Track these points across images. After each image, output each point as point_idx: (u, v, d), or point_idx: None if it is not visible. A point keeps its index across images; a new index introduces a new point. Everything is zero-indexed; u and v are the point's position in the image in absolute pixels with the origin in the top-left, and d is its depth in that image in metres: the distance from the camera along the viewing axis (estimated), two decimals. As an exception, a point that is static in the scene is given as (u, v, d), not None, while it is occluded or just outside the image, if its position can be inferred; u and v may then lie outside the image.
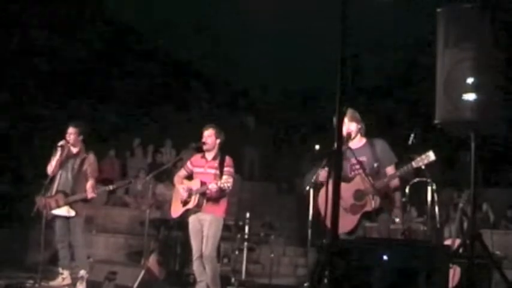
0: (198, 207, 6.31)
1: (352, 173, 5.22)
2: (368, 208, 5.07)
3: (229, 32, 14.59)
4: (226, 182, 6.08)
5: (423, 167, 5.19)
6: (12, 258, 8.61)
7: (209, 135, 6.47)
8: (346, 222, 5.07)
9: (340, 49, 2.96)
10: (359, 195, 5.09)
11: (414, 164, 4.93)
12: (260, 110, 16.05)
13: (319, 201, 5.42)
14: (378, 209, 5.09)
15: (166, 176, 11.65)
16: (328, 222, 3.32)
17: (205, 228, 6.32)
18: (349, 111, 5.25)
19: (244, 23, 13.66)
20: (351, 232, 5.13)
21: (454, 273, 5.89)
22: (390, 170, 5.20)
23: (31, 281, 6.79)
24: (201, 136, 6.54)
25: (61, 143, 6.96)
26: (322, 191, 5.36)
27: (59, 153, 6.98)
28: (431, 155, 4.86)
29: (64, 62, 13.41)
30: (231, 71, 16.34)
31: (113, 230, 10.84)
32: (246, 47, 15.06)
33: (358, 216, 5.08)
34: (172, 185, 11.00)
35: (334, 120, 3.27)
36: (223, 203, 6.40)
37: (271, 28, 13.47)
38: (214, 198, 6.31)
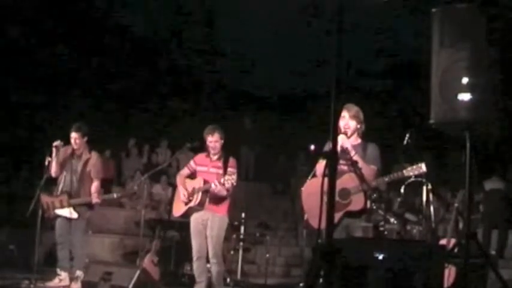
0: (200, 206, 6.26)
1: (344, 168, 5.16)
2: (351, 208, 5.02)
3: (229, 31, 14.58)
4: (230, 179, 6.05)
5: (413, 177, 5.21)
6: (11, 259, 8.57)
7: (216, 140, 6.39)
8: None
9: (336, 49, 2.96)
10: (344, 193, 5.00)
11: (405, 172, 5.00)
12: (257, 110, 16.06)
13: (302, 196, 5.35)
14: (362, 209, 5.07)
15: (162, 176, 11.64)
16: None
17: (208, 228, 6.28)
18: (353, 109, 5.23)
19: (243, 22, 13.67)
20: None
21: (450, 273, 5.91)
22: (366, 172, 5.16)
23: (26, 282, 6.76)
24: (197, 136, 6.53)
25: (56, 143, 6.93)
26: (306, 187, 5.34)
27: (54, 153, 6.96)
28: (423, 167, 4.93)
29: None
30: (229, 71, 16.36)
31: (108, 231, 10.80)
32: (246, 47, 15.07)
33: (339, 214, 4.96)
34: (168, 185, 10.91)
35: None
36: (226, 202, 6.37)
37: (270, 28, 13.48)
38: (217, 197, 6.27)
